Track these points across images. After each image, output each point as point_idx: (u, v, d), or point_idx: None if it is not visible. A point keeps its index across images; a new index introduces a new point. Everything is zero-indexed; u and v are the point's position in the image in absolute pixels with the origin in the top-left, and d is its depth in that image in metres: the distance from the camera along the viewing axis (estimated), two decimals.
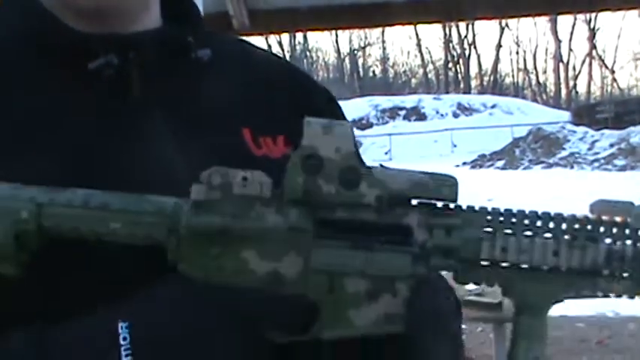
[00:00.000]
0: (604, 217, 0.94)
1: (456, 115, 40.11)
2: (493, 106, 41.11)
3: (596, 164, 25.39)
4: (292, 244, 0.87)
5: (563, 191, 18.03)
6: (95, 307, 0.86)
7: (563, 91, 55.65)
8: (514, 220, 0.91)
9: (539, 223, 0.92)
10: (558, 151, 27.25)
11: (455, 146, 34.26)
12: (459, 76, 60.23)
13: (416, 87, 63.10)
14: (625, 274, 0.94)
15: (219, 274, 0.86)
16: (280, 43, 56.01)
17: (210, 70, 1.11)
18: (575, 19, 52.77)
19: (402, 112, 41.30)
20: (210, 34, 1.16)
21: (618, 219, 0.94)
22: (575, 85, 56.48)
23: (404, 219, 0.89)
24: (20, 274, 0.87)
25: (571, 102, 51.00)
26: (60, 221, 0.86)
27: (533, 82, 62.13)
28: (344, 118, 1.26)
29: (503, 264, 0.91)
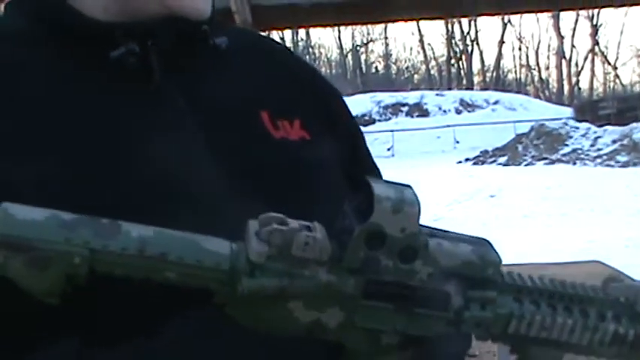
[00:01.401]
0: (614, 295, 1.00)
1: (458, 112, 40.14)
2: (496, 103, 41.14)
3: (598, 160, 25.37)
4: (338, 299, 0.89)
5: (566, 187, 18.03)
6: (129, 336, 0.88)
7: (566, 88, 55.66)
8: (540, 293, 0.97)
9: (560, 297, 0.98)
10: (561, 147, 27.24)
11: (457, 142, 34.27)
12: (462, 72, 60.24)
13: (418, 83, 63.14)
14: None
15: (265, 321, 0.88)
16: (283, 40, 56.04)
17: (227, 56, 1.12)
18: (578, 15, 52.79)
19: (405, 109, 41.34)
20: (224, 25, 1.17)
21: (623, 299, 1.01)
22: (577, 82, 56.50)
23: (444, 285, 0.91)
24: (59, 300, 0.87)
25: (573, 98, 51.02)
26: (113, 268, 0.84)
27: (536, 78, 62.17)
28: (347, 109, 1.30)
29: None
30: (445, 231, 0.93)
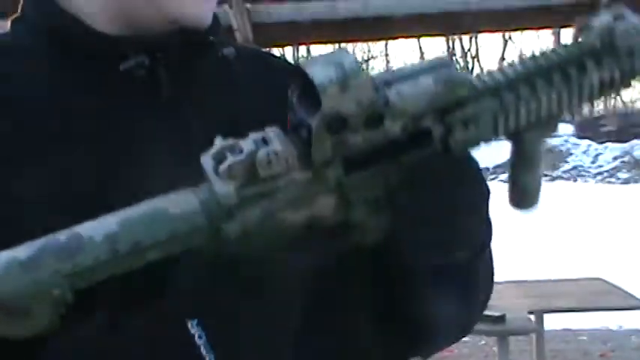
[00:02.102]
0: (589, 44, 0.97)
1: None
2: None
3: (599, 177, 25.33)
4: (323, 189, 0.87)
5: (567, 205, 17.99)
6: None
7: None
8: (516, 82, 0.94)
9: (536, 74, 0.95)
10: (562, 164, 27.18)
11: None
12: None
13: None
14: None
15: (260, 242, 0.85)
16: (284, 57, 56.04)
17: (234, 69, 1.13)
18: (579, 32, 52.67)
19: None
20: (227, 39, 1.17)
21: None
22: None
23: (423, 122, 0.89)
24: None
25: (574, 115, 50.98)
26: (93, 278, 0.81)
27: None
28: None
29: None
30: (400, 70, 0.89)
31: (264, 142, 0.84)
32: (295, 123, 0.87)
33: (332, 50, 0.87)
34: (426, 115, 0.89)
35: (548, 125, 0.98)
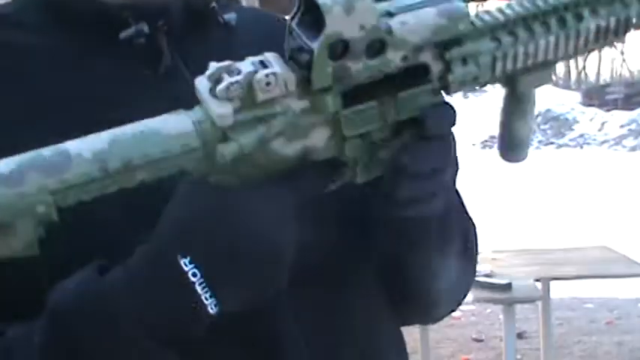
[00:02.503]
0: None
1: (465, 96, 39.97)
2: None
3: (605, 145, 25.31)
4: (318, 121, 0.85)
5: (574, 172, 17.99)
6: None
7: (573, 73, 55.41)
8: (514, 23, 0.94)
9: (534, 17, 0.95)
10: (568, 132, 27.16)
11: (464, 127, 34.20)
12: None
13: None
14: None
15: (252, 171, 0.83)
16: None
17: (236, 35, 1.12)
18: None
19: None
20: (226, 3, 1.16)
21: None
22: (584, 67, 56.25)
23: (419, 58, 0.88)
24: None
25: (580, 83, 50.79)
26: (81, 196, 0.78)
27: None
28: None
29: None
30: (402, 0, 0.88)
31: (263, 65, 0.82)
32: (294, 48, 0.84)
33: None
34: (426, 50, 0.88)
35: (544, 72, 0.98)
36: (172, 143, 0.80)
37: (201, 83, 0.82)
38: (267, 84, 0.80)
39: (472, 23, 0.91)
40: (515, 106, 1.01)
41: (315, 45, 0.81)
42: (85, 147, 0.78)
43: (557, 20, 0.95)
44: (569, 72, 54.19)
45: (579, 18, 0.96)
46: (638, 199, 13.49)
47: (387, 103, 0.88)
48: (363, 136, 0.88)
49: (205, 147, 0.80)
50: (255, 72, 0.81)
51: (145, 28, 1.00)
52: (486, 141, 28.63)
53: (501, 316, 5.71)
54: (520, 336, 6.93)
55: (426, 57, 0.88)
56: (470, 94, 39.97)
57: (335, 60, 0.82)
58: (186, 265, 0.81)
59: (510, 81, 0.98)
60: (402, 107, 0.89)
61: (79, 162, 0.77)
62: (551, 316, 6.11)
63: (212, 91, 0.81)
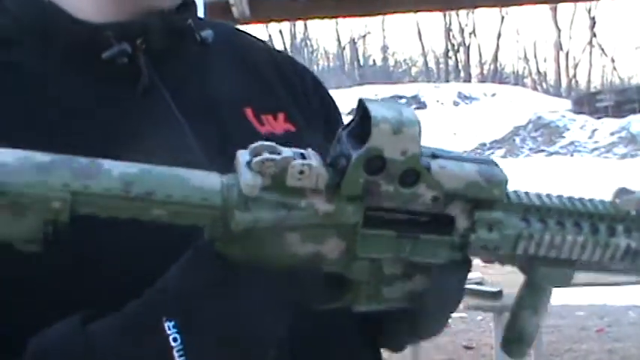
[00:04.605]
0: (624, 209, 0.97)
1: (456, 104, 40.05)
2: (493, 95, 41.05)
3: (596, 152, 25.39)
4: (337, 230, 0.85)
5: (564, 180, 18.02)
6: (125, 298, 0.84)
7: (564, 80, 55.57)
8: (548, 211, 0.94)
9: (569, 214, 0.95)
10: (558, 139, 27.25)
11: (455, 135, 34.25)
12: (459, 65, 60.12)
13: (416, 76, 62.97)
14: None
15: (260, 256, 0.84)
16: (280, 32, 55.96)
17: (211, 51, 1.12)
18: (576, 7, 52.72)
19: (402, 101, 41.22)
20: (201, 19, 1.17)
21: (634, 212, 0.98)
22: (575, 74, 56.42)
23: (448, 208, 0.88)
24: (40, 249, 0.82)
25: (571, 91, 50.95)
26: (96, 210, 0.78)
27: (534, 70, 62.08)
28: (328, 94, 1.29)
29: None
30: (449, 152, 0.89)
31: (302, 156, 0.83)
32: (336, 154, 0.85)
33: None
34: (456, 202, 0.88)
35: (564, 271, 0.97)
36: (195, 193, 0.80)
37: (242, 155, 0.83)
38: (301, 172, 0.81)
39: (508, 195, 0.92)
40: (529, 297, 0.99)
41: (354, 153, 0.82)
42: (117, 166, 0.79)
43: (589, 225, 0.96)
44: (559, 79, 54.33)
45: (612, 231, 0.96)
46: None
47: (406, 240, 0.88)
48: (374, 262, 0.89)
49: (224, 208, 0.81)
50: (294, 159, 0.81)
51: (128, 47, 1.01)
52: (477, 149, 28.69)
53: (492, 324, 5.72)
54: None
55: (455, 210, 0.89)
56: (461, 102, 40.09)
57: (369, 174, 0.83)
58: (169, 329, 0.81)
59: (529, 268, 0.97)
60: (418, 249, 0.89)
61: (106, 175, 0.78)
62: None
63: (249, 163, 0.81)
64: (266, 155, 0.80)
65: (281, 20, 14.03)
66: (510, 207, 0.92)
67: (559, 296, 7.99)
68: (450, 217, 0.89)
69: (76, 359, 0.81)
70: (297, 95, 1.21)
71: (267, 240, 0.83)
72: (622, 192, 0.98)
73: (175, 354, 0.80)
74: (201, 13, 1.23)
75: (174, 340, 0.81)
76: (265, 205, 0.81)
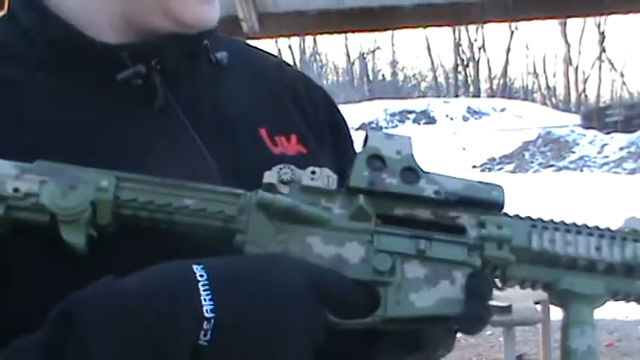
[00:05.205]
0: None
1: (465, 119, 39.98)
2: (502, 110, 40.96)
3: (605, 168, 25.31)
4: (355, 233, 0.93)
5: (573, 195, 17.98)
6: None
7: (573, 95, 55.40)
8: (556, 226, 0.99)
9: (575, 230, 0.99)
10: (568, 154, 27.17)
11: (464, 150, 34.17)
12: (469, 79, 60.03)
13: (425, 90, 62.84)
14: None
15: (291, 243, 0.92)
16: (290, 47, 56.00)
17: (226, 71, 1.13)
18: (585, 22, 52.65)
19: (412, 116, 41.17)
20: (218, 37, 1.18)
21: None
22: (584, 89, 56.28)
23: (457, 220, 0.96)
24: (85, 251, 0.89)
25: (580, 105, 50.84)
26: (136, 195, 0.91)
27: (543, 85, 61.95)
28: (340, 113, 1.32)
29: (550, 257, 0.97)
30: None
31: (313, 172, 0.95)
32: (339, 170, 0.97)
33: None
34: (462, 209, 0.96)
35: (592, 283, 0.98)
36: (222, 188, 0.94)
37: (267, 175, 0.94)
38: (313, 172, 0.94)
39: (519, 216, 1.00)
40: (566, 318, 1.00)
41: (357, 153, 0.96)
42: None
43: (597, 236, 1.00)
44: (569, 94, 54.24)
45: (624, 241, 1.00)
46: None
47: (420, 239, 0.94)
48: (394, 261, 0.93)
49: (247, 198, 0.93)
50: (306, 172, 0.95)
51: (143, 69, 1.02)
52: (486, 164, 28.65)
53: (501, 339, 5.72)
54: (520, 358, 6.92)
55: (464, 221, 0.96)
56: (470, 117, 40.05)
57: (372, 170, 0.94)
58: (197, 270, 0.84)
59: (555, 283, 0.98)
60: (433, 248, 0.94)
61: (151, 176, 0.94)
62: (551, 339, 6.10)
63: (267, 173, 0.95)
64: (281, 165, 0.93)
65: (290, 35, 14.04)
66: (517, 219, 0.99)
67: None
68: (461, 227, 0.96)
69: (105, 301, 0.82)
70: (308, 115, 1.22)
71: (289, 241, 0.92)
72: (632, 220, 1.03)
73: (201, 287, 0.83)
74: None
75: (201, 275, 0.84)
76: (284, 195, 0.92)
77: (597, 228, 0.99)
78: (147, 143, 1.01)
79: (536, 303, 5.66)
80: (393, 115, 41.77)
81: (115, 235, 0.92)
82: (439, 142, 33.91)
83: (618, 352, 7.83)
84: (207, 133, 1.05)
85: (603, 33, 53.90)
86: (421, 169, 0.95)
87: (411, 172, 0.94)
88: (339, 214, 0.93)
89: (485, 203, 0.96)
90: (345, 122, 1.31)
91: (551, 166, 26.63)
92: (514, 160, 28.19)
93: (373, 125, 40.41)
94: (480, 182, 0.97)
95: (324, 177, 0.93)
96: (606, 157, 26.14)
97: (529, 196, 15.38)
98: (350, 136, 1.30)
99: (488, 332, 8.04)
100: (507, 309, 5.06)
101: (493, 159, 28.83)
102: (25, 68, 1.03)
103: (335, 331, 0.90)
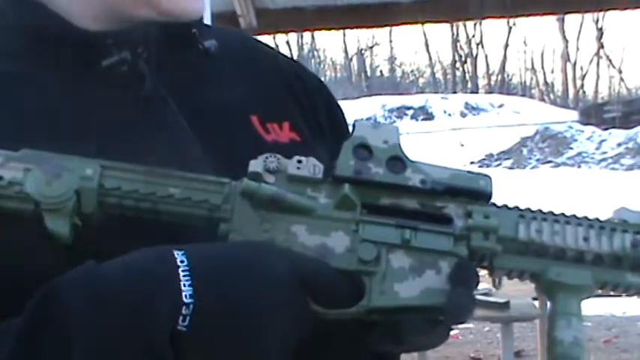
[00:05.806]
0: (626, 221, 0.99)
1: (463, 115, 39.97)
2: (500, 106, 40.95)
3: (603, 164, 25.32)
4: (340, 222, 0.92)
5: (571, 190, 18.00)
6: None
7: (571, 91, 55.42)
8: (544, 217, 0.97)
9: (564, 221, 0.98)
10: (566, 150, 27.19)
11: (462, 145, 34.18)
12: (467, 75, 60.02)
13: (423, 86, 62.85)
14: None
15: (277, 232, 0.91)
16: (288, 43, 55.99)
17: (216, 60, 1.13)
18: (583, 18, 52.64)
19: (410, 112, 41.16)
20: (210, 27, 1.18)
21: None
22: (582, 85, 56.29)
23: (444, 210, 0.95)
24: (69, 240, 0.88)
25: (578, 101, 50.84)
26: (120, 183, 0.90)
27: (541, 81, 61.97)
28: (335, 101, 1.32)
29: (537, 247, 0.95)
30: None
31: (299, 162, 0.94)
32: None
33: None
34: (448, 199, 0.95)
35: (579, 273, 0.96)
36: (208, 177, 0.93)
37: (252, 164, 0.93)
38: (299, 161, 0.93)
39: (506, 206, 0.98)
40: (553, 309, 0.97)
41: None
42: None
43: (590, 224, 0.98)
44: (567, 90, 54.28)
45: (613, 231, 0.97)
46: None
47: (406, 229, 0.93)
48: (379, 250, 0.92)
49: (232, 186, 0.92)
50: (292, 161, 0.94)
51: (128, 56, 1.02)
52: (483, 159, 28.67)
53: (499, 335, 5.72)
54: (518, 354, 6.92)
55: (451, 211, 0.95)
56: (468, 113, 40.06)
57: (358, 159, 0.94)
58: (178, 255, 0.84)
59: (543, 273, 0.96)
60: (419, 238, 0.93)
61: (134, 164, 0.93)
62: None
63: (253, 162, 0.93)
64: (267, 154, 0.93)
65: (288, 31, 14.08)
66: (504, 209, 0.97)
67: None
68: (447, 217, 0.95)
69: (86, 285, 0.82)
70: (302, 103, 1.21)
71: (274, 229, 0.91)
72: (621, 211, 1.00)
73: (181, 272, 0.82)
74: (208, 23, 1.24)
75: (182, 261, 0.83)
76: (269, 184, 0.92)
77: (586, 218, 0.98)
78: (135, 130, 1.00)
79: (534, 299, 5.66)
80: (391, 111, 41.76)
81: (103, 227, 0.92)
82: (437, 138, 33.93)
83: (616, 348, 7.84)
84: (197, 120, 1.05)
85: (601, 29, 53.90)
86: (408, 159, 0.94)
87: (398, 161, 0.94)
88: (324, 204, 0.92)
89: (473, 193, 0.95)
90: (341, 110, 1.31)
91: (549, 162, 26.65)
92: (512, 156, 28.20)
93: (371, 121, 40.35)
94: (467, 172, 0.97)
95: (310, 166, 0.93)
96: (604, 153, 26.16)
97: (527, 192, 15.39)
98: (346, 124, 1.29)
99: (486, 328, 8.05)
100: (505, 305, 5.06)
101: (491, 155, 28.84)
102: (11, 59, 1.03)
103: (322, 320, 0.89)
